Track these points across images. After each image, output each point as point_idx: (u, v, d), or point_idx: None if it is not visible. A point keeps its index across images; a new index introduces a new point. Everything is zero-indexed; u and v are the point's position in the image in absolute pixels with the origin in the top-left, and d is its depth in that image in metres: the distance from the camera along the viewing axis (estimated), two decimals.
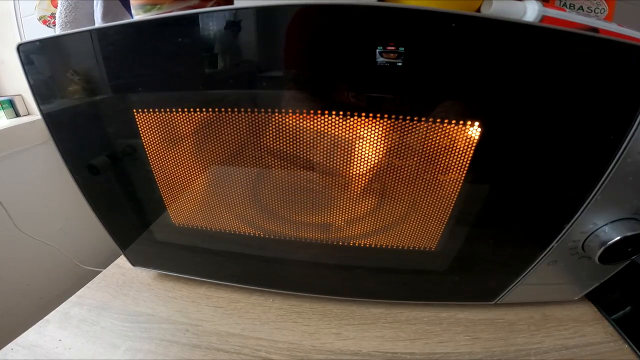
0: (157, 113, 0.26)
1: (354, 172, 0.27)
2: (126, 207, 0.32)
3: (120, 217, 0.33)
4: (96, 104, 0.26)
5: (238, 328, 0.32)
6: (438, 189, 0.26)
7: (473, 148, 0.23)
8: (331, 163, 0.26)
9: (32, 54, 0.25)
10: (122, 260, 0.41)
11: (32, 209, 0.70)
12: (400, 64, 0.21)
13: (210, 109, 0.25)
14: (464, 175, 0.24)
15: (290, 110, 0.24)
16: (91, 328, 0.33)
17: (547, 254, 0.28)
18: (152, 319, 0.34)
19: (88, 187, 0.31)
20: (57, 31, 0.48)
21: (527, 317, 0.33)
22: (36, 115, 0.74)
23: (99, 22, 0.44)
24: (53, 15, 0.64)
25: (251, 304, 0.35)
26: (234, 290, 0.36)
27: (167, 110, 0.25)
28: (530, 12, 0.24)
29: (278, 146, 0.26)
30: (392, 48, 0.20)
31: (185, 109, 0.25)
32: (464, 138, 0.23)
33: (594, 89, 0.21)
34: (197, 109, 0.25)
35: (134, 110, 0.26)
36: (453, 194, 0.26)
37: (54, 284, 0.72)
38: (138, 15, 0.28)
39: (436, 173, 0.26)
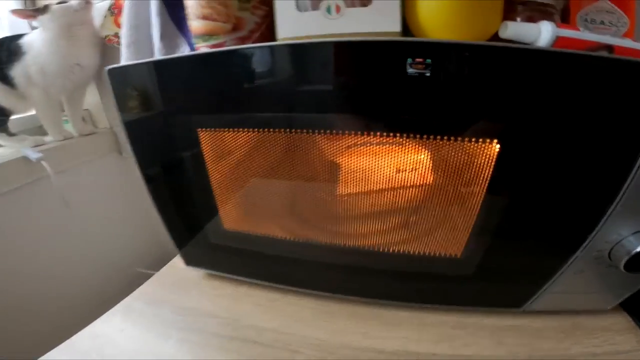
0: (216, 132, 0.31)
1: (387, 188, 0.30)
2: (186, 212, 0.37)
3: (180, 221, 0.38)
4: (167, 121, 0.32)
5: (274, 324, 0.35)
6: (462, 200, 0.28)
7: (493, 164, 0.25)
8: (366, 179, 0.30)
9: (117, 77, 0.31)
10: (175, 261, 0.47)
11: (96, 214, 0.80)
12: (426, 89, 0.24)
13: (259, 130, 0.29)
14: (485, 187, 0.26)
15: (329, 131, 0.27)
16: (149, 320, 0.38)
17: (572, 263, 0.29)
18: (199, 313, 0.38)
19: (157, 192, 0.37)
20: (123, 52, 0.56)
21: (555, 325, 0.33)
22: (101, 128, 0.84)
23: (157, 44, 0.51)
24: (117, 35, 0.73)
25: (287, 302, 0.38)
26: (273, 290, 0.40)
27: (224, 129, 0.30)
28: (545, 34, 0.26)
29: (318, 163, 0.30)
30: (420, 66, 0.23)
31: (239, 129, 0.30)
32: (485, 154, 0.25)
33: (607, 106, 0.22)
34: (249, 130, 0.30)
35: (198, 130, 0.31)
36: (476, 206, 0.28)
37: (112, 283, 0.80)
38: (198, 44, 0.33)
39: (460, 186, 0.28)
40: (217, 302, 0.40)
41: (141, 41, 0.57)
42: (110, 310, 0.40)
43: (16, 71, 0.67)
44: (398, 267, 0.34)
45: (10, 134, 0.74)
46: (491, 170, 0.25)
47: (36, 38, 0.67)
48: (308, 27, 0.29)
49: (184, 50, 0.53)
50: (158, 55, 0.54)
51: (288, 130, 0.28)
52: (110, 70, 0.31)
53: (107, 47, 0.74)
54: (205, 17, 0.30)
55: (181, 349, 0.34)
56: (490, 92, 0.23)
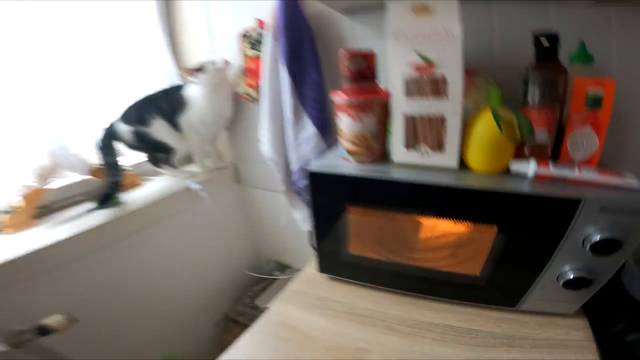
0: (358, 207, 0.62)
1: (445, 235, 0.59)
2: (330, 241, 0.68)
3: (325, 246, 0.69)
4: (334, 199, 0.63)
5: (372, 306, 0.65)
6: (481, 246, 0.57)
7: (494, 235, 0.54)
8: (434, 231, 0.60)
9: (315, 176, 0.62)
10: (306, 270, 0.78)
11: (218, 227, 1.15)
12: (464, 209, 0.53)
13: (385, 211, 0.60)
14: (491, 242, 0.55)
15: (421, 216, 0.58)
16: (302, 303, 0.69)
17: (538, 281, 0.56)
18: (329, 300, 0.68)
19: (317, 227, 0.68)
20: (263, 118, 0.90)
21: (536, 320, 0.58)
22: (226, 162, 1.17)
23: (288, 115, 0.85)
24: (248, 94, 1.04)
25: (381, 296, 0.68)
26: (372, 288, 0.70)
27: (363, 207, 0.61)
28: (531, 169, 0.53)
29: (411, 222, 0.60)
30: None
31: (373, 209, 0.61)
32: (490, 231, 0.54)
33: (546, 224, 0.50)
34: (379, 210, 0.60)
35: (348, 206, 0.62)
36: (487, 249, 0.57)
37: (227, 280, 1.16)
38: (348, 156, 0.64)
39: (480, 239, 0.57)
40: (338, 294, 0.70)
41: (277, 112, 0.88)
42: (278, 297, 0.71)
43: (183, 120, 1.01)
44: (445, 278, 0.62)
45: (174, 167, 1.08)
46: (494, 235, 0.54)
47: (196, 93, 1.00)
48: (409, 157, 0.59)
49: (306, 121, 0.83)
50: (289, 125, 0.87)
51: (402, 213, 0.59)
52: (312, 174, 0.62)
53: (239, 101, 1.07)
54: (354, 143, 0.61)
55: (323, 318, 0.64)
56: (493, 208, 0.52)
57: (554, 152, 0.55)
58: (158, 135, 1.00)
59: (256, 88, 1.02)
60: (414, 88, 0.54)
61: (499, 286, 0.60)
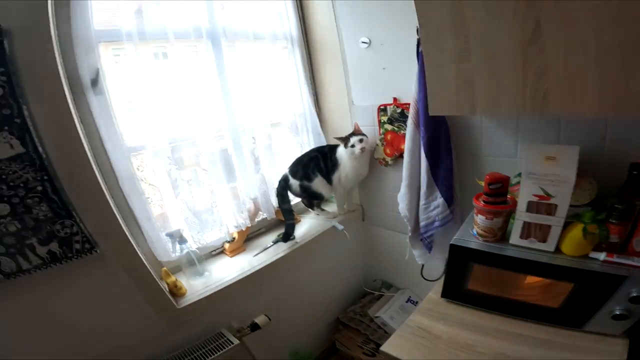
0: (483, 266, 0.99)
1: (541, 282, 0.95)
2: (456, 278, 1.06)
3: (453, 284, 1.08)
4: (466, 264, 1.01)
5: (481, 321, 1.04)
6: (558, 293, 0.92)
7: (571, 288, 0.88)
8: (533, 281, 0.96)
9: (457, 250, 1.00)
10: (430, 295, 1.17)
11: (343, 253, 1.60)
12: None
13: (498, 269, 0.97)
14: (569, 292, 0.90)
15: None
16: (429, 315, 1.09)
17: (596, 315, 0.90)
18: (447, 317, 1.07)
19: (450, 272, 1.07)
20: (403, 190, 1.26)
21: (593, 337, 0.95)
22: (355, 204, 1.60)
23: (423, 189, 1.21)
24: (384, 159, 1.42)
25: (486, 317, 1.06)
26: (483, 311, 1.08)
27: (484, 266, 0.98)
28: (601, 257, 0.87)
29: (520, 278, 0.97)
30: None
31: (490, 267, 0.98)
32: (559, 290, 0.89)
33: (604, 286, 0.85)
34: (494, 268, 0.97)
35: (473, 264, 1.00)
36: (565, 294, 0.91)
37: (345, 294, 1.64)
38: (477, 243, 1.01)
39: (558, 287, 0.92)
40: (455, 312, 1.08)
41: (413, 184, 1.25)
42: (416, 311, 1.12)
43: (334, 176, 1.42)
44: (539, 307, 0.98)
45: (321, 209, 1.52)
46: (571, 288, 0.88)
47: (344, 156, 1.39)
48: (521, 243, 0.94)
49: (437, 193, 1.19)
50: (423, 194, 1.22)
51: (510, 271, 0.95)
52: (452, 246, 1.00)
53: (376, 164, 1.46)
54: (484, 231, 0.97)
55: (444, 326, 1.02)
56: (573, 276, 0.87)
57: (625, 244, 0.86)
58: (317, 189, 1.42)
59: (391, 156, 1.39)
60: (533, 207, 0.88)
61: (569, 315, 0.93)
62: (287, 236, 1.37)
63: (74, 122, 0.88)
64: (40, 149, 0.82)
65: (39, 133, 0.82)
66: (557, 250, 0.91)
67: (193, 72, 1.22)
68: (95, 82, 1.00)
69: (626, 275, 0.80)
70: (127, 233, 1.03)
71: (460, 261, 1.03)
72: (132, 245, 1.05)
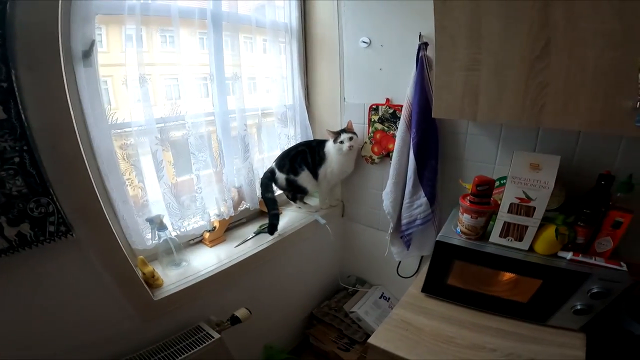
0: (460, 262, 1.07)
1: (512, 278, 1.05)
2: (437, 274, 1.13)
3: (434, 279, 1.15)
4: (448, 260, 1.08)
5: (458, 315, 1.12)
6: (528, 288, 1.03)
7: (539, 284, 1.00)
8: (506, 276, 1.05)
9: (441, 247, 1.07)
10: (412, 288, 1.23)
11: (320, 246, 1.64)
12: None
13: (478, 265, 1.05)
14: (537, 288, 1.00)
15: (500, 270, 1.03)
16: (411, 308, 1.15)
17: (560, 309, 1.02)
18: (427, 309, 1.14)
19: (433, 268, 1.13)
20: (389, 186, 1.32)
21: (555, 330, 1.07)
22: (336, 200, 1.63)
23: (408, 188, 1.28)
24: (371, 157, 1.45)
25: (458, 310, 1.14)
26: (460, 306, 1.16)
27: (465, 262, 1.06)
28: (568, 256, 0.99)
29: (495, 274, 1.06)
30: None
31: (470, 263, 1.06)
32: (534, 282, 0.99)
33: (570, 282, 0.96)
34: (474, 264, 1.06)
35: (455, 260, 1.07)
36: (534, 290, 1.02)
37: (319, 289, 1.67)
38: (460, 240, 1.08)
39: (529, 283, 1.03)
40: (434, 306, 1.14)
41: (399, 182, 1.30)
42: (398, 305, 1.18)
43: (320, 170, 1.43)
44: (510, 302, 1.07)
45: (304, 202, 1.52)
46: (539, 284, 0.99)
47: (332, 151, 1.40)
48: (500, 241, 1.03)
49: (421, 193, 1.25)
50: (408, 193, 1.28)
51: (488, 268, 1.04)
52: (437, 242, 1.07)
53: (361, 162, 1.49)
54: (467, 229, 1.05)
55: (425, 319, 1.09)
56: (542, 272, 0.97)
57: (588, 245, 0.98)
58: (303, 183, 1.42)
59: (378, 154, 1.43)
60: (513, 209, 0.97)
61: (536, 310, 1.04)
62: (273, 227, 1.35)
63: (64, 92, 0.80)
64: (23, 117, 0.73)
65: (24, 100, 0.73)
66: (531, 249, 1.00)
67: (190, 53, 1.16)
68: (87, 54, 0.92)
69: (589, 273, 0.91)
70: (107, 216, 0.95)
71: (443, 257, 1.10)
72: (112, 231, 0.97)
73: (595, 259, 0.93)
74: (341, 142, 1.36)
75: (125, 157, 1.09)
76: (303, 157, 1.42)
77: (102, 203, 0.93)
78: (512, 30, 0.79)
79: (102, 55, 1.00)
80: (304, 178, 1.43)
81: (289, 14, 1.46)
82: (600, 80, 0.73)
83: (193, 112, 1.18)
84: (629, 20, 0.68)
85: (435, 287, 1.16)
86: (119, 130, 1.07)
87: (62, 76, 0.80)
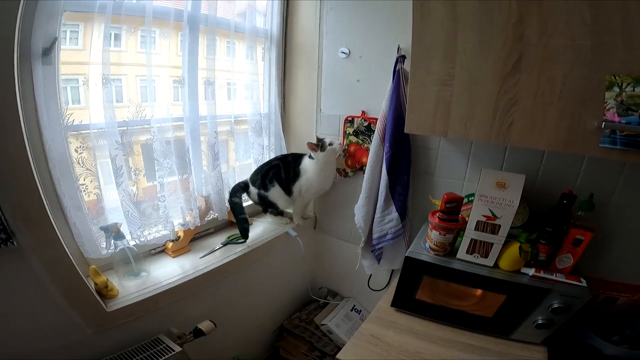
0: (428, 278, 1.07)
1: (478, 294, 1.06)
2: (408, 291, 1.12)
3: (404, 294, 1.14)
4: (417, 275, 1.08)
5: (426, 329, 1.12)
6: (493, 303, 1.04)
7: (501, 302, 1.01)
8: (471, 291, 1.06)
9: (410, 263, 1.06)
10: (380, 304, 1.22)
11: (292, 257, 1.61)
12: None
13: (445, 281, 1.05)
14: (500, 303, 1.02)
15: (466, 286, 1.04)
16: (380, 322, 1.13)
17: (522, 323, 1.03)
18: (396, 323, 1.13)
19: (402, 282, 1.12)
20: (361, 200, 1.31)
21: (518, 345, 1.08)
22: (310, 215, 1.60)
23: (380, 203, 1.28)
24: (344, 170, 1.44)
25: (424, 325, 1.14)
26: (428, 320, 1.16)
27: (433, 277, 1.06)
28: (530, 272, 1.02)
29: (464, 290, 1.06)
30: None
31: (438, 279, 1.06)
32: (499, 298, 1.01)
33: (532, 297, 0.98)
34: (441, 280, 1.06)
35: (423, 276, 1.07)
36: (497, 305, 1.04)
37: (289, 300, 1.63)
38: (429, 255, 1.09)
39: (491, 298, 1.04)
40: (403, 320, 1.14)
41: (371, 197, 1.30)
42: (367, 319, 1.16)
43: (295, 187, 1.39)
44: (475, 317, 1.08)
45: (276, 215, 1.48)
46: (503, 299, 1.01)
47: (309, 167, 1.37)
48: (466, 257, 1.04)
49: (392, 208, 1.25)
50: (379, 208, 1.27)
51: (455, 283, 1.04)
52: (407, 258, 1.06)
53: (335, 175, 1.47)
54: (436, 245, 1.05)
55: (394, 333, 1.08)
56: (506, 287, 0.99)
57: (549, 261, 1.01)
58: (273, 199, 1.39)
59: (351, 167, 1.42)
60: (480, 226, 0.98)
61: (500, 324, 1.05)
62: (245, 231, 1.33)
63: (14, 90, 0.74)
64: None
65: None
66: (496, 265, 1.02)
67: (162, 55, 1.11)
68: (48, 51, 0.86)
69: (550, 289, 0.93)
70: (54, 224, 0.87)
71: (412, 272, 1.09)
72: (59, 239, 0.89)
73: (556, 275, 0.95)
74: (330, 144, 1.32)
75: (80, 161, 1.01)
76: (276, 172, 1.38)
77: (49, 209, 0.86)
78: (487, 45, 0.80)
79: (74, 53, 0.95)
80: (275, 194, 1.39)
81: (270, 20, 1.44)
82: (567, 99, 0.76)
83: (160, 117, 1.13)
84: (600, 37, 0.71)
85: (404, 301, 1.16)
86: (75, 132, 0.99)
87: (14, 73, 0.73)
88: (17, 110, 0.76)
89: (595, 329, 1.00)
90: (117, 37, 1.02)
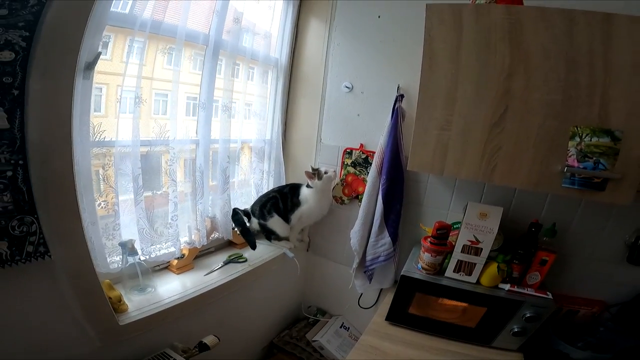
0: (422, 294, 1.21)
1: (463, 306, 1.21)
2: (400, 304, 1.25)
3: (398, 309, 1.26)
4: (409, 291, 1.21)
5: (419, 340, 1.24)
6: (475, 315, 1.20)
7: (483, 314, 1.17)
8: (457, 305, 1.21)
9: (406, 281, 1.20)
10: (376, 317, 1.33)
11: (286, 275, 1.72)
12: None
13: (436, 296, 1.20)
14: (481, 315, 1.18)
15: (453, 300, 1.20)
16: (375, 334, 1.24)
17: (501, 332, 1.20)
18: (391, 335, 1.24)
19: (397, 298, 1.25)
20: (357, 226, 1.45)
21: (497, 351, 1.23)
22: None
23: (375, 229, 1.43)
24: (340, 198, 1.57)
25: (424, 336, 1.27)
26: (420, 332, 1.28)
27: (425, 294, 1.21)
28: (506, 287, 1.20)
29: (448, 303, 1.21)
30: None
31: (429, 295, 1.21)
32: (480, 310, 1.17)
33: (508, 308, 1.16)
34: (432, 295, 1.21)
35: (416, 292, 1.21)
36: (479, 317, 1.20)
37: (281, 316, 1.70)
38: (420, 274, 1.24)
39: (475, 311, 1.20)
40: (397, 333, 1.26)
41: (367, 223, 1.43)
42: (365, 332, 1.26)
43: (294, 216, 1.50)
44: (460, 327, 1.22)
45: (278, 240, 1.56)
46: (484, 311, 1.17)
47: (308, 196, 1.49)
48: (453, 275, 1.20)
49: (385, 233, 1.40)
50: (374, 233, 1.41)
51: (444, 298, 1.19)
52: (402, 276, 1.20)
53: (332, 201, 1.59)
54: (427, 265, 1.21)
55: (390, 344, 1.20)
56: (486, 301, 1.16)
57: (521, 278, 1.20)
58: (273, 227, 1.50)
59: (348, 196, 1.55)
60: (465, 249, 1.16)
61: (482, 333, 1.21)
62: (252, 244, 1.46)
63: (70, 105, 0.79)
64: (25, 128, 0.70)
65: (28, 110, 0.70)
66: (477, 282, 1.19)
67: (184, 77, 1.19)
68: (90, 65, 0.90)
69: (523, 301, 1.11)
70: (85, 239, 0.90)
71: (406, 289, 1.23)
72: (89, 254, 0.91)
73: (527, 290, 1.14)
74: (325, 172, 1.44)
75: (105, 177, 1.05)
76: (274, 204, 1.48)
77: (83, 225, 0.89)
78: (481, 96, 0.98)
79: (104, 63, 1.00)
80: (274, 223, 1.49)
81: (280, 49, 1.57)
82: (539, 147, 0.95)
83: (179, 138, 1.20)
84: (569, 92, 0.91)
85: (398, 315, 1.29)
86: (101, 149, 1.04)
87: (72, 87, 0.78)
88: (70, 127, 0.81)
89: (561, 336, 1.19)
90: (150, 54, 1.10)
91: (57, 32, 0.72)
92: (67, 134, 0.81)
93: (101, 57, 0.94)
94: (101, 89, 1.05)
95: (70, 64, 0.77)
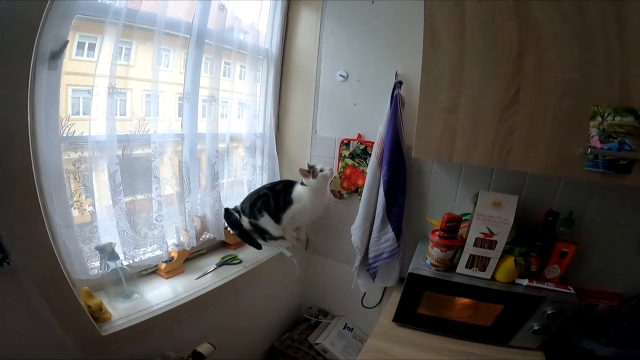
0: (432, 292, 1.11)
1: (474, 303, 1.12)
2: (409, 303, 1.15)
3: (407, 310, 1.17)
4: (419, 291, 1.12)
5: (428, 341, 1.14)
6: (490, 313, 1.10)
7: (498, 312, 1.08)
8: (468, 303, 1.12)
9: (413, 278, 1.10)
10: (382, 318, 1.24)
11: (283, 274, 1.57)
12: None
13: (446, 294, 1.10)
14: (497, 314, 1.09)
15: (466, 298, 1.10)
16: (386, 335, 1.15)
17: (520, 330, 1.10)
18: (399, 337, 1.15)
19: (405, 297, 1.15)
20: (358, 220, 1.35)
21: (516, 350, 1.14)
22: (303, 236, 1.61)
23: (377, 224, 1.32)
24: (340, 192, 1.46)
25: (434, 337, 1.18)
26: (430, 332, 1.19)
27: (435, 292, 1.11)
28: (524, 282, 1.10)
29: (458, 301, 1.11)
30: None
31: (439, 293, 1.11)
32: (497, 308, 1.08)
33: (528, 305, 1.06)
34: (443, 293, 1.11)
35: (426, 290, 1.11)
36: (495, 314, 1.10)
37: (281, 315, 1.60)
38: (429, 271, 1.14)
39: (490, 307, 1.10)
40: (406, 334, 1.16)
41: (368, 218, 1.33)
42: (371, 335, 1.16)
43: (285, 215, 1.39)
44: (475, 327, 1.13)
45: (273, 239, 1.45)
46: (501, 309, 1.07)
47: (302, 194, 1.38)
48: (465, 271, 1.10)
49: (388, 228, 1.29)
50: (376, 228, 1.31)
51: (455, 296, 1.10)
52: (410, 274, 1.10)
53: (329, 196, 1.49)
54: (436, 261, 1.11)
55: (398, 346, 1.11)
56: (503, 297, 1.06)
57: (539, 272, 1.10)
58: (265, 226, 1.40)
59: (347, 190, 1.45)
60: (478, 243, 1.06)
61: (499, 332, 1.12)
62: (257, 244, 1.40)
63: (26, 96, 0.70)
64: None
65: None
66: (492, 278, 1.09)
67: (168, 69, 1.10)
68: (56, 55, 0.81)
69: (543, 297, 1.02)
70: (52, 243, 0.81)
71: (415, 288, 1.14)
72: (57, 259, 0.82)
73: (547, 284, 1.05)
74: (321, 171, 1.34)
75: (77, 176, 0.95)
76: (264, 202, 1.37)
77: (47, 227, 0.79)
78: (490, 77, 0.90)
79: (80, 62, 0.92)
80: (265, 222, 1.39)
81: (270, 39, 1.48)
82: (557, 128, 0.87)
83: (161, 132, 1.10)
84: (585, 71, 0.83)
85: (406, 316, 1.19)
86: (74, 145, 0.94)
87: (28, 77, 0.69)
88: (26, 120, 0.72)
89: (583, 332, 1.10)
90: (127, 51, 1.00)
91: (12, 17, 0.65)
92: (23, 128, 0.71)
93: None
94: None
95: (25, 53, 0.69)
